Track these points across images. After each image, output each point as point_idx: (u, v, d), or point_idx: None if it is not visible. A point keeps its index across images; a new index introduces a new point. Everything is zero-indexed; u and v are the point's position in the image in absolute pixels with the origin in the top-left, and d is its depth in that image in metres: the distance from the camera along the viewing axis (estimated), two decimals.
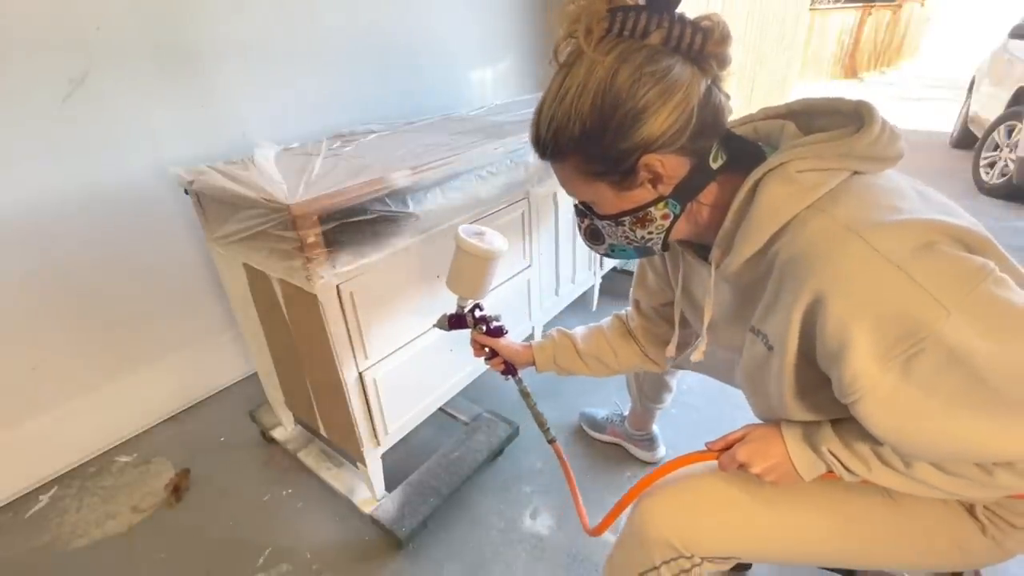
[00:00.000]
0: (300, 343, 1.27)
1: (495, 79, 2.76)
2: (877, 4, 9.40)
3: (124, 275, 1.63)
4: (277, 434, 1.63)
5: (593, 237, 0.76)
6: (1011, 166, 3.39)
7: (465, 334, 1.07)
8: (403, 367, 1.33)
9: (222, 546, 1.37)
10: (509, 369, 1.07)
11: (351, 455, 1.39)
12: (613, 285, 2.50)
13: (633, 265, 1.22)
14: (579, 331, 1.07)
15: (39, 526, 1.45)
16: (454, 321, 1.05)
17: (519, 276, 1.69)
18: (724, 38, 0.59)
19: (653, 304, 0.98)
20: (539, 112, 0.65)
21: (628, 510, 0.87)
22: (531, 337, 1.91)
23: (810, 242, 0.58)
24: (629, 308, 1.06)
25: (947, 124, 5.23)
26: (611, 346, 1.04)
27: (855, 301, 0.54)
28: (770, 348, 0.66)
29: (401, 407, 1.37)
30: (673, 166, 0.63)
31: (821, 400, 0.66)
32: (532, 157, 1.55)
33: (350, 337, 1.17)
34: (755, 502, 0.76)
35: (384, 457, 1.38)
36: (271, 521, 1.43)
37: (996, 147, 3.64)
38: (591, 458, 1.58)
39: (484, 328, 1.04)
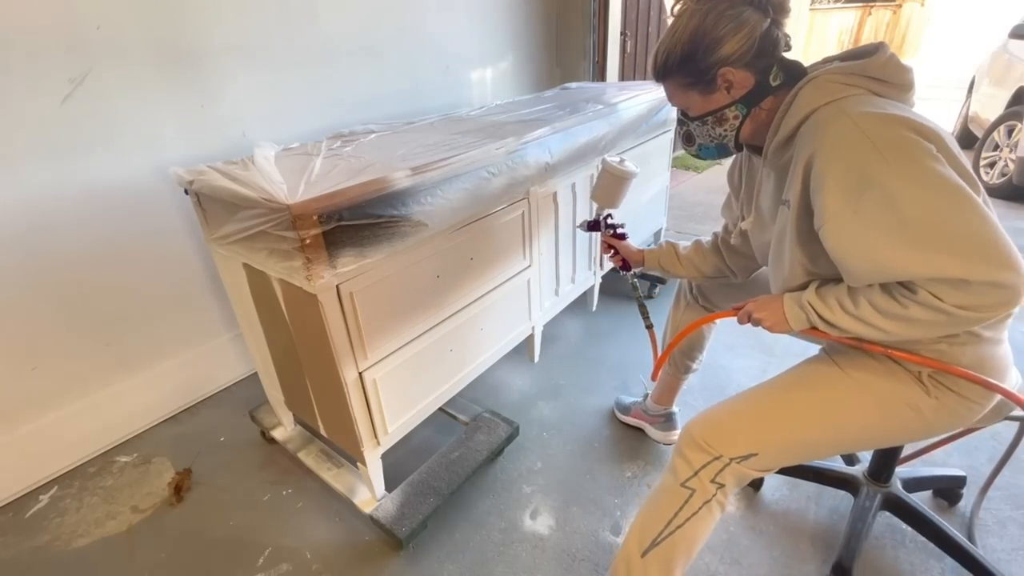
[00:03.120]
0: (300, 343, 1.27)
1: (495, 79, 2.76)
2: (877, 4, 9.40)
3: (124, 275, 1.63)
4: (277, 434, 1.63)
5: (688, 140, 1.05)
6: (1011, 166, 3.39)
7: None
8: (403, 367, 1.33)
9: (222, 546, 1.38)
10: (625, 265, 1.41)
11: (351, 455, 1.39)
12: (613, 285, 2.50)
13: None
14: (683, 244, 1.38)
15: (39, 526, 1.45)
16: (591, 225, 1.42)
17: (519, 276, 1.69)
18: None
19: (733, 220, 1.25)
20: (657, 48, 0.96)
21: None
22: (531, 337, 1.91)
23: (817, 122, 0.83)
24: (719, 229, 1.32)
25: (947, 124, 5.24)
26: (703, 254, 1.32)
27: (833, 156, 0.80)
28: (787, 205, 0.91)
29: (401, 407, 1.37)
30: (742, 78, 0.92)
31: (816, 249, 0.88)
32: (534, 157, 1.57)
33: (350, 337, 1.17)
34: (766, 411, 0.98)
35: (384, 457, 1.38)
36: (271, 521, 1.43)
37: (996, 147, 3.64)
38: (594, 459, 1.58)
39: (612, 232, 1.41)
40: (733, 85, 0.92)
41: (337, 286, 1.11)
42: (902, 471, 1.32)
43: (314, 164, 1.24)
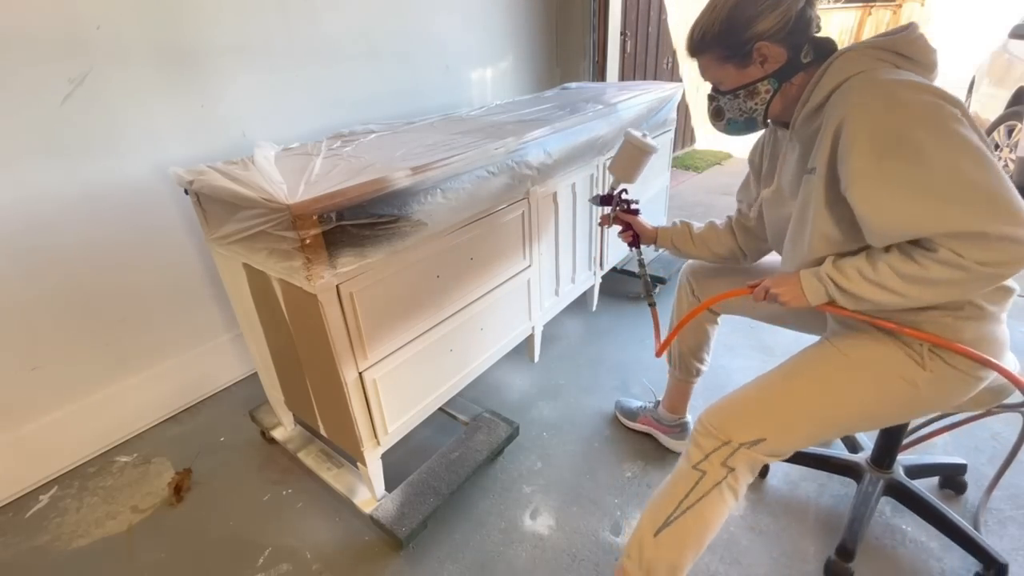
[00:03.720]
0: (300, 343, 1.27)
1: (495, 79, 2.76)
2: (877, 4, 9.39)
3: (124, 275, 1.63)
4: (277, 434, 1.63)
5: (717, 115, 1.09)
6: (1011, 166, 3.39)
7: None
8: (403, 367, 1.33)
9: (222, 546, 1.37)
10: (635, 241, 1.40)
11: (351, 455, 1.39)
12: (613, 285, 2.50)
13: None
14: (696, 224, 1.40)
15: (39, 526, 1.45)
16: (604, 199, 1.40)
17: (519, 276, 1.69)
18: None
19: (749, 201, 1.28)
20: (694, 24, 1.01)
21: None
22: (531, 337, 1.91)
23: (847, 90, 0.87)
24: (734, 211, 1.34)
25: None
26: (717, 235, 1.34)
27: (863, 118, 0.83)
28: (813, 171, 0.94)
29: (401, 407, 1.37)
30: (776, 53, 0.96)
31: (841, 213, 0.92)
32: (534, 157, 1.57)
33: (350, 337, 1.17)
34: (770, 397, 1.02)
35: (384, 457, 1.38)
36: (271, 521, 1.43)
37: (996, 147, 3.64)
38: (594, 459, 1.58)
39: (626, 207, 1.39)
40: (767, 59, 0.97)
41: (337, 286, 1.11)
42: (904, 459, 1.35)
43: (314, 164, 1.24)
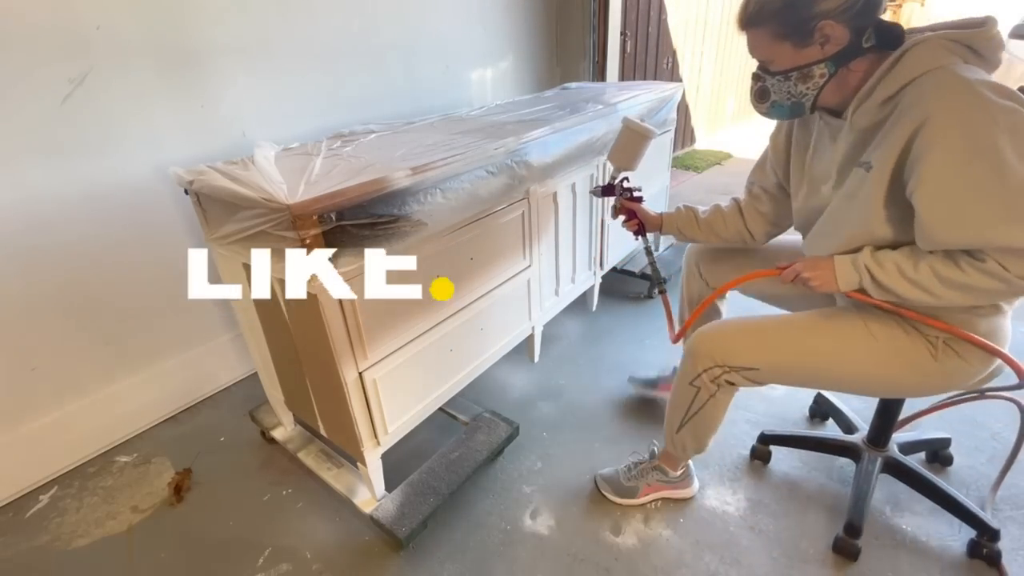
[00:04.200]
0: (300, 343, 1.27)
1: (495, 79, 2.75)
2: None
3: (124, 275, 1.63)
4: (277, 434, 1.63)
5: (761, 96, 1.01)
6: None
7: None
8: (403, 367, 1.33)
9: (222, 546, 1.37)
10: (641, 230, 1.39)
11: (351, 455, 1.39)
12: (613, 285, 2.50)
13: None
14: (701, 208, 1.38)
15: (39, 526, 1.45)
16: (606, 189, 1.39)
17: (519, 276, 1.69)
18: None
19: (763, 185, 1.26)
20: None
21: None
22: (531, 337, 1.91)
23: (930, 86, 0.83)
24: (743, 193, 1.33)
25: None
26: (723, 218, 1.32)
27: (950, 120, 0.80)
28: (867, 166, 0.91)
29: (401, 407, 1.37)
30: (839, 34, 0.89)
31: (898, 212, 0.90)
32: (534, 157, 1.57)
33: (350, 337, 1.17)
34: (774, 332, 1.07)
35: (384, 457, 1.38)
36: (271, 521, 1.43)
37: None
38: (595, 459, 1.58)
39: (628, 195, 1.38)
40: (829, 40, 0.89)
41: None
42: (896, 437, 1.40)
43: (314, 164, 1.24)
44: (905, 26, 0.91)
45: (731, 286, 1.23)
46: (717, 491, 1.46)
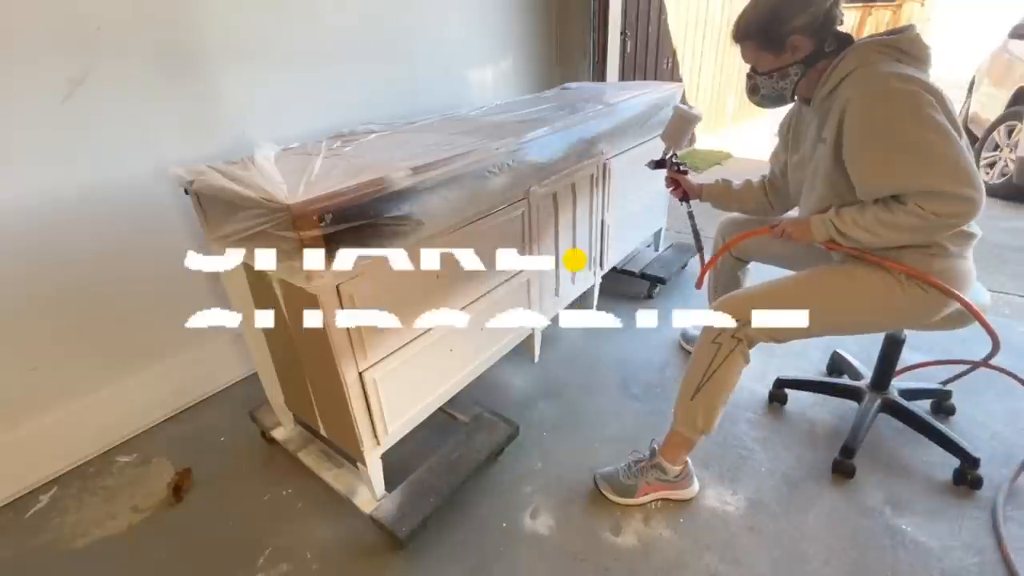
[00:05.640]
0: (300, 343, 1.27)
1: (495, 79, 2.75)
2: (877, 4, 9.39)
3: (124, 275, 1.63)
4: (277, 434, 1.63)
5: (753, 90, 1.31)
6: (1011, 166, 3.39)
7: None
8: (403, 367, 1.33)
9: (222, 546, 1.37)
10: (685, 196, 1.68)
11: (351, 455, 1.39)
12: (613, 285, 2.50)
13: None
14: (735, 181, 1.65)
15: (39, 526, 1.45)
16: (658, 163, 1.70)
17: (519, 276, 1.69)
18: None
19: (778, 164, 1.53)
20: (739, 16, 1.23)
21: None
22: (531, 337, 1.91)
23: (856, 78, 1.11)
24: (767, 174, 1.60)
25: None
26: (751, 191, 1.60)
27: (863, 101, 1.08)
28: (824, 142, 1.19)
29: (401, 407, 1.37)
30: (805, 44, 1.18)
31: (844, 173, 1.16)
32: (534, 157, 1.57)
33: (350, 337, 1.17)
34: (777, 291, 1.30)
35: (384, 457, 1.38)
36: (271, 521, 1.43)
37: (996, 147, 3.64)
38: (594, 459, 1.58)
39: (676, 168, 1.67)
40: (798, 49, 1.19)
41: (337, 286, 1.11)
42: (898, 384, 1.61)
43: (314, 164, 1.24)
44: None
45: (736, 241, 1.53)
46: (717, 491, 1.46)
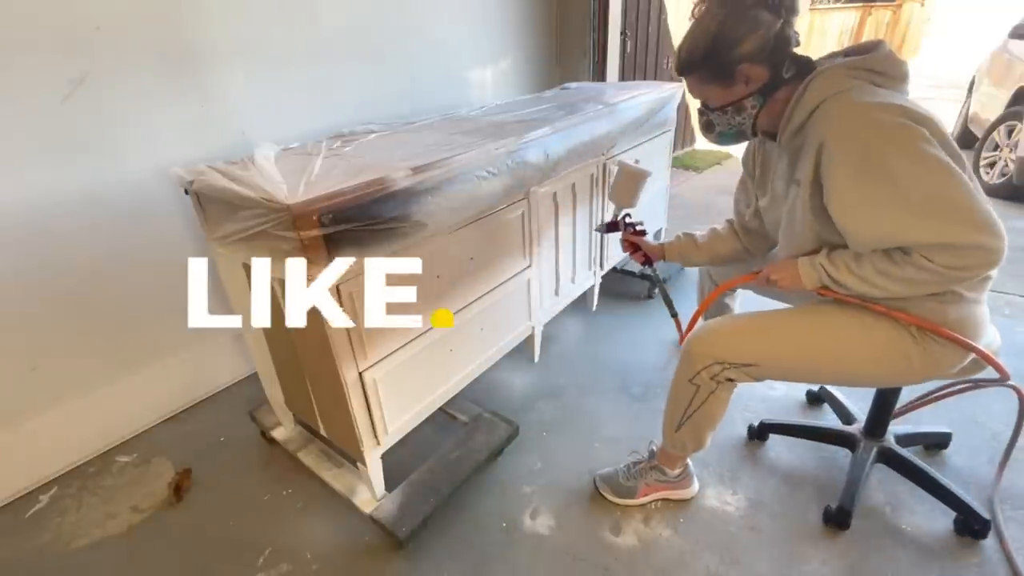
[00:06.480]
0: (300, 343, 1.27)
1: (495, 79, 2.75)
2: (877, 4, 9.39)
3: (124, 275, 1.63)
4: (277, 434, 1.63)
5: (707, 128, 1.14)
6: (1011, 166, 3.39)
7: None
8: (403, 367, 1.33)
9: (222, 546, 1.37)
10: (647, 260, 1.50)
11: (351, 455, 1.39)
12: (613, 285, 2.50)
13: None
14: (698, 232, 1.49)
15: (39, 526, 1.45)
16: (610, 226, 1.51)
17: (519, 276, 1.69)
18: None
19: (747, 202, 1.34)
20: (679, 47, 1.07)
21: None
22: (531, 337, 1.92)
23: (827, 111, 0.95)
24: (733, 216, 1.42)
25: (947, 124, 5.20)
26: (720, 239, 1.42)
27: (842, 140, 0.92)
28: (797, 184, 1.04)
29: (401, 407, 1.37)
30: (758, 73, 1.02)
31: (827, 219, 1.01)
32: (534, 157, 1.57)
33: (350, 337, 1.17)
34: (767, 329, 1.13)
35: (384, 457, 1.38)
36: (271, 521, 1.43)
37: (996, 147, 3.63)
38: (594, 459, 1.58)
39: (632, 230, 1.50)
40: (751, 79, 1.03)
41: (337, 286, 1.11)
42: (894, 428, 1.45)
43: (314, 164, 1.24)
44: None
45: (719, 292, 1.32)
46: (717, 491, 1.46)
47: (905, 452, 1.39)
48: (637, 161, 1.41)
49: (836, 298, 1.08)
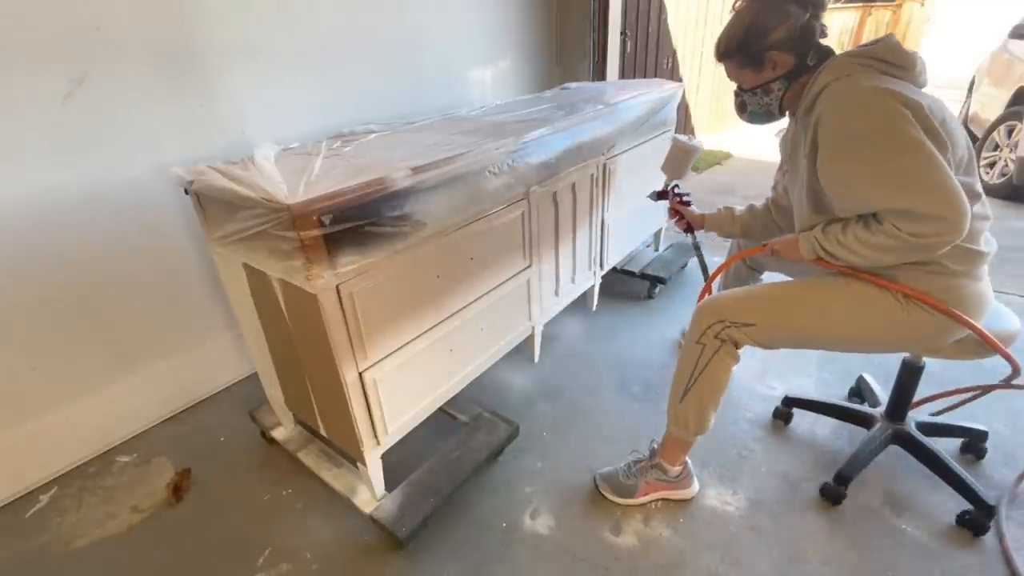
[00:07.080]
0: (300, 343, 1.27)
1: (495, 79, 2.75)
2: (877, 4, 9.38)
3: (124, 275, 1.63)
4: (277, 434, 1.63)
5: (741, 108, 1.30)
6: (1011, 166, 3.39)
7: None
8: (403, 367, 1.33)
9: (222, 546, 1.37)
10: (689, 228, 1.68)
11: (351, 455, 1.39)
12: (613, 285, 2.50)
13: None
14: (738, 207, 1.61)
15: (39, 526, 1.45)
16: (660, 194, 1.73)
17: (519, 276, 1.69)
18: None
19: (783, 182, 1.44)
20: (719, 37, 1.22)
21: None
22: (531, 337, 1.92)
23: (830, 92, 1.07)
24: (771, 192, 1.54)
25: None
26: (754, 215, 1.56)
27: (833, 116, 1.05)
28: (806, 156, 1.15)
29: (401, 407, 1.37)
30: (785, 59, 1.16)
31: (821, 190, 1.13)
32: (534, 157, 1.57)
33: (350, 337, 1.17)
34: (768, 295, 1.24)
35: (384, 457, 1.38)
36: (271, 521, 1.43)
37: (996, 147, 3.63)
38: (594, 459, 1.58)
39: (679, 199, 1.69)
40: (777, 65, 1.17)
41: (337, 286, 1.11)
42: (918, 417, 1.50)
43: (314, 164, 1.24)
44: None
45: (733, 260, 1.48)
46: (717, 491, 1.46)
47: (922, 438, 1.42)
48: (689, 138, 1.58)
49: (831, 269, 1.19)
